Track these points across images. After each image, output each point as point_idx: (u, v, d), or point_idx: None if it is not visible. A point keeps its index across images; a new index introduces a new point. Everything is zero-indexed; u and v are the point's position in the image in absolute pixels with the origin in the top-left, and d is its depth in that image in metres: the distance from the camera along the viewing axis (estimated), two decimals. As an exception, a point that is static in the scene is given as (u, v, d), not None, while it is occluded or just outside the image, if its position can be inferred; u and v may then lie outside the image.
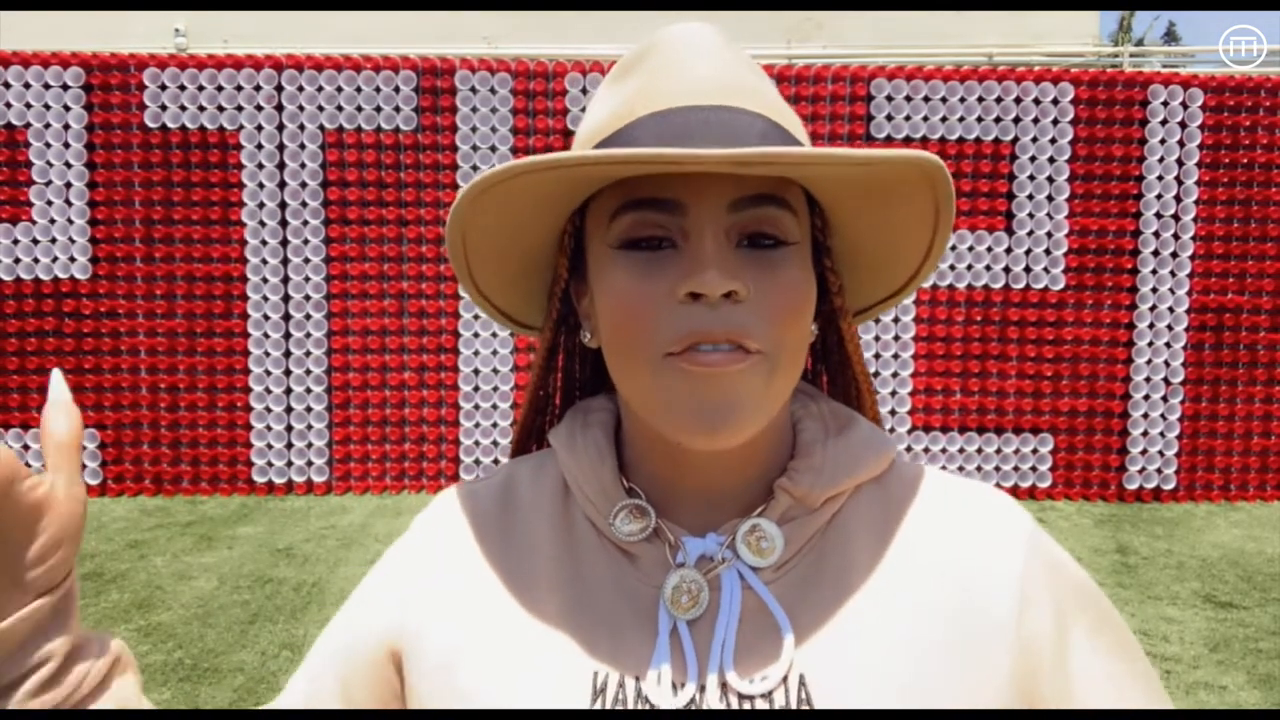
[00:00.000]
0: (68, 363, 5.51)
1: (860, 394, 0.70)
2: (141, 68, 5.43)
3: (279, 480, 5.67)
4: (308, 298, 5.61)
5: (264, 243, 5.54)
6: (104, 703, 0.57)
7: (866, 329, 5.56)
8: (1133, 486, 5.78)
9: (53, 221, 5.45)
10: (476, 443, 5.71)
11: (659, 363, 0.57)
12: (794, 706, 0.56)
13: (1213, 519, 5.44)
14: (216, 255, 5.54)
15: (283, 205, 5.54)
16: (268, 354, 5.61)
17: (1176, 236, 5.64)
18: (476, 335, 5.66)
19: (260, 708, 0.79)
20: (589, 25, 8.02)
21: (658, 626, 0.59)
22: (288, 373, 5.64)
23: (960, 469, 5.67)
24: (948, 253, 5.50)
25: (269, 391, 5.63)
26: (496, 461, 5.63)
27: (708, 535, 0.62)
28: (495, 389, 5.69)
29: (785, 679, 0.57)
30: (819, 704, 0.56)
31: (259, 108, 5.48)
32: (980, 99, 5.54)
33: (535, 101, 5.55)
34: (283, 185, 5.53)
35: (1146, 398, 5.73)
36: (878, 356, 5.70)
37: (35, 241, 5.45)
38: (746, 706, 0.57)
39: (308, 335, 5.63)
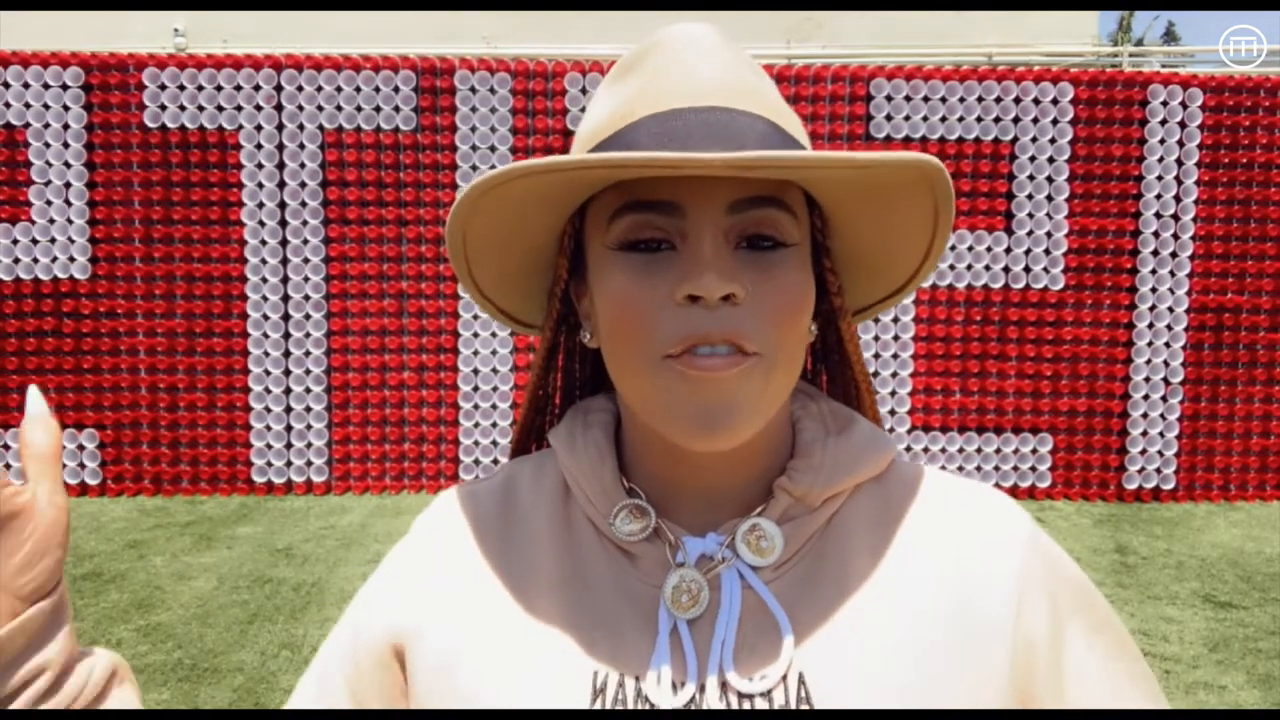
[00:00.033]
0: (67, 363, 5.51)
1: (860, 394, 0.70)
2: (141, 68, 5.43)
3: (278, 480, 5.67)
4: (307, 298, 5.60)
5: (263, 243, 5.54)
6: None
7: (866, 329, 5.55)
8: (1132, 486, 5.78)
9: (52, 221, 5.45)
10: (476, 443, 5.71)
11: (658, 364, 0.57)
12: (793, 705, 0.57)
13: (1212, 519, 5.44)
14: (216, 255, 5.54)
15: (282, 205, 5.54)
16: (267, 354, 5.61)
17: (1176, 236, 5.64)
18: (476, 335, 5.66)
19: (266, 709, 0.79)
20: (589, 25, 8.02)
21: (658, 626, 0.59)
22: (287, 373, 5.64)
23: (960, 469, 5.67)
24: (947, 253, 5.50)
25: (268, 391, 5.63)
26: (496, 461, 5.63)
27: (708, 535, 0.62)
28: (495, 389, 5.69)
29: (785, 678, 0.57)
30: (818, 703, 0.56)
31: (258, 108, 5.48)
32: (980, 99, 5.54)
33: (535, 101, 5.55)
34: (282, 185, 5.53)
35: (1146, 398, 5.73)
36: (877, 356, 5.70)
37: (35, 241, 5.45)
38: (746, 706, 0.57)
39: (307, 335, 5.63)
